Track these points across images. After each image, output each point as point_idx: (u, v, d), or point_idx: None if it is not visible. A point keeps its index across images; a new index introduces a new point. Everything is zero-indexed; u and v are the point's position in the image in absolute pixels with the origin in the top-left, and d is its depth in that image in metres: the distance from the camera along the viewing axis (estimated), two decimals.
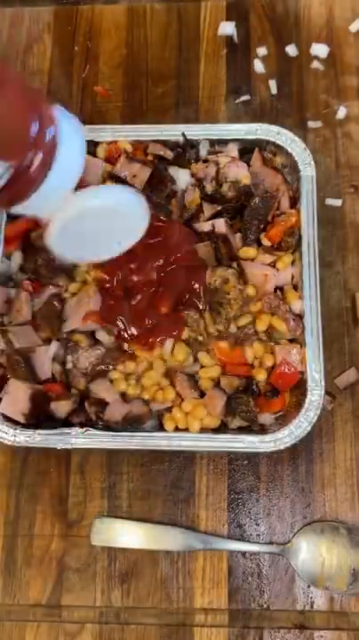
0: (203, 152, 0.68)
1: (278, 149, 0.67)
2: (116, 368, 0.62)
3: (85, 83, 0.80)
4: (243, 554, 0.62)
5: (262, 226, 0.65)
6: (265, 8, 0.81)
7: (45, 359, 0.62)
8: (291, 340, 0.62)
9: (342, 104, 0.75)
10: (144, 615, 0.61)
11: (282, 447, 0.58)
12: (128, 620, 0.61)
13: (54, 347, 0.63)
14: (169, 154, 0.68)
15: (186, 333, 0.62)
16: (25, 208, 0.44)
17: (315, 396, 0.58)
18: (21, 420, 0.60)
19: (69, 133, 0.43)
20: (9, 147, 0.38)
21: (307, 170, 0.65)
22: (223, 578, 0.61)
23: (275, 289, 0.64)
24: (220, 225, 0.64)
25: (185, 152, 0.68)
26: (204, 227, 0.64)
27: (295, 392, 0.61)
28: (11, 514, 0.64)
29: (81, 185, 0.48)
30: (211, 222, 0.65)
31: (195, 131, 0.68)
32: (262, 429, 0.60)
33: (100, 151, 0.68)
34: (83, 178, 0.48)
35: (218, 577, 0.61)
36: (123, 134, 0.68)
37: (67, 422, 0.61)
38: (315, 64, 0.77)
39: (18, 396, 0.60)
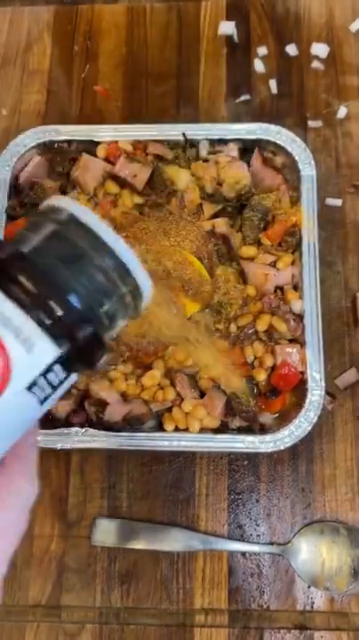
0: (203, 152, 0.68)
1: (278, 149, 0.67)
2: (116, 368, 0.62)
3: (85, 83, 0.79)
4: (244, 554, 0.61)
5: (262, 226, 0.65)
6: (265, 7, 0.81)
7: None
8: (292, 340, 0.62)
9: (342, 103, 0.75)
10: (144, 615, 0.61)
11: (282, 447, 0.58)
12: (128, 620, 0.61)
13: None
14: (169, 154, 0.68)
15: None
16: None
17: (316, 396, 0.58)
18: None
19: None
20: None
21: (308, 169, 0.65)
22: (223, 578, 0.61)
23: (275, 289, 0.64)
24: (220, 225, 0.64)
25: (185, 152, 0.68)
26: (204, 227, 0.64)
27: (295, 392, 0.61)
28: None
29: None
30: (211, 222, 0.65)
31: (195, 131, 0.68)
32: (262, 429, 0.60)
33: (100, 151, 0.68)
34: None
35: (218, 577, 0.61)
36: (123, 134, 0.68)
37: (67, 422, 0.61)
38: (316, 64, 0.77)
39: None
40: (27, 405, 0.25)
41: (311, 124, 0.75)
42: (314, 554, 0.60)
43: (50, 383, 0.26)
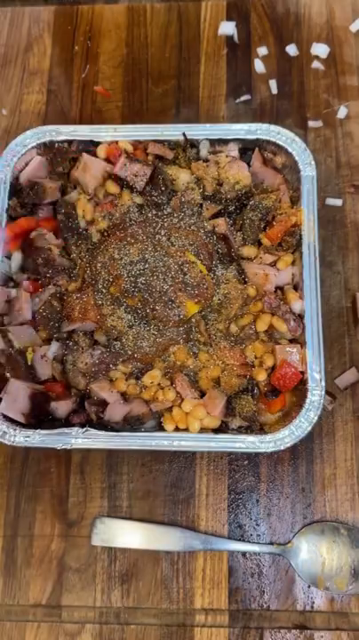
0: (203, 152, 0.68)
1: (278, 149, 0.67)
2: (117, 368, 0.62)
3: (85, 83, 0.80)
4: (244, 554, 0.61)
5: (263, 225, 0.65)
6: (265, 8, 0.81)
7: (45, 359, 0.62)
8: (292, 340, 0.62)
9: (342, 104, 0.75)
10: (144, 615, 0.61)
11: (282, 447, 0.58)
12: (128, 620, 0.61)
13: (54, 347, 0.63)
14: (169, 154, 0.68)
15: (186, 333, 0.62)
16: None
17: (316, 396, 0.58)
18: (21, 420, 0.60)
19: None
20: None
21: (308, 170, 0.65)
22: (223, 578, 0.61)
23: (276, 289, 0.64)
24: (220, 225, 0.64)
25: (185, 152, 0.68)
26: (205, 227, 0.64)
27: (295, 392, 0.61)
28: (11, 514, 0.64)
29: None
30: (211, 222, 0.65)
31: (196, 131, 0.68)
32: (262, 429, 0.60)
33: (101, 151, 0.68)
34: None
35: (218, 577, 0.61)
36: (123, 134, 0.68)
37: (67, 422, 0.61)
38: (316, 64, 0.77)
39: (18, 395, 0.60)
40: None
41: (311, 124, 0.75)
42: (314, 554, 0.60)
43: None
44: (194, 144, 0.68)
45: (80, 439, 0.59)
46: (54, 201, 0.68)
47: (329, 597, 0.60)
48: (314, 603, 0.60)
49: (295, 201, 0.66)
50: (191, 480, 0.64)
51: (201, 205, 0.66)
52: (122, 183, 0.67)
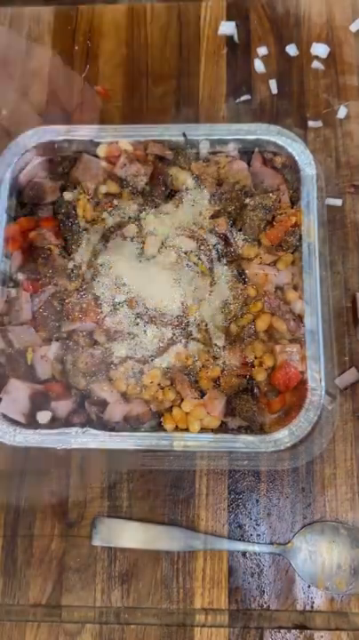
0: (203, 152, 0.68)
1: (278, 149, 0.67)
2: (117, 368, 0.62)
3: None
4: (244, 554, 0.62)
5: (263, 225, 0.65)
6: (265, 8, 0.81)
7: (45, 359, 0.62)
8: (292, 340, 0.62)
9: (342, 103, 0.75)
10: (144, 615, 0.61)
11: (282, 447, 0.58)
12: (128, 620, 0.61)
13: (54, 347, 0.63)
14: (169, 154, 0.68)
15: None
16: None
17: (316, 396, 0.58)
18: (21, 420, 0.60)
19: None
20: None
21: (308, 169, 0.65)
22: (223, 578, 0.61)
23: (276, 289, 0.64)
24: (221, 225, 0.64)
25: (185, 152, 0.68)
26: (205, 226, 0.64)
27: (295, 392, 0.61)
28: (11, 514, 0.64)
29: None
30: (211, 222, 0.65)
31: (196, 131, 0.68)
32: (262, 429, 0.60)
33: (100, 151, 0.68)
34: None
35: (218, 577, 0.61)
36: (123, 134, 0.68)
37: (67, 422, 0.61)
38: (316, 64, 0.77)
39: (18, 395, 0.60)
40: None
41: (311, 124, 0.75)
42: (314, 554, 0.60)
43: None
44: (194, 144, 0.68)
45: (80, 439, 0.59)
46: (54, 201, 0.68)
47: (329, 597, 0.60)
48: (314, 603, 0.60)
49: (295, 201, 0.66)
50: (191, 480, 0.64)
51: (201, 205, 0.66)
52: (122, 183, 0.67)
